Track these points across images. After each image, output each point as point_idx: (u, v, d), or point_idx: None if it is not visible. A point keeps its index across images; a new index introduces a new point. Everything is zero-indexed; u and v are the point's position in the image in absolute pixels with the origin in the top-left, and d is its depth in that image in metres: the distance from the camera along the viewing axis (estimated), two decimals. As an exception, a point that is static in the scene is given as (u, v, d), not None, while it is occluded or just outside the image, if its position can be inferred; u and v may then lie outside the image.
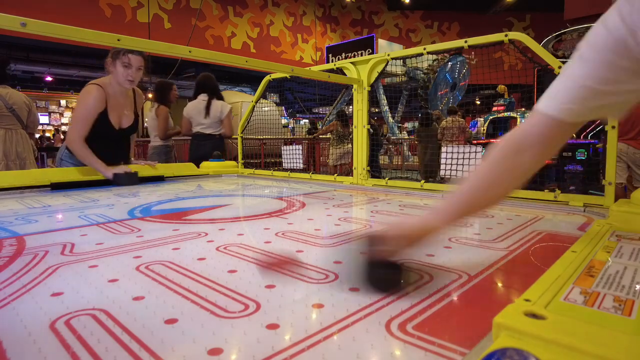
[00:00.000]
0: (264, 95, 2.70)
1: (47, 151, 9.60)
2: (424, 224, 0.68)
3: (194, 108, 3.34)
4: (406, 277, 0.67)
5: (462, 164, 1.79)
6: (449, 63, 8.88)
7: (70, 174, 1.96)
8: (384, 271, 0.64)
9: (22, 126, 3.72)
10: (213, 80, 3.42)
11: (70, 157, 2.13)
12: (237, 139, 2.80)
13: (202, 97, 3.32)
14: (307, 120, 14.16)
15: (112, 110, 2.12)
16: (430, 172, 4.52)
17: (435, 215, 0.69)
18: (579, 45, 0.64)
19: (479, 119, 8.28)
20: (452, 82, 9.25)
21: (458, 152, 1.82)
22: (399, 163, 8.66)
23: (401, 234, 0.66)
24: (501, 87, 7.62)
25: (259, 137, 3.87)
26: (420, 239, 0.67)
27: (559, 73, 1.49)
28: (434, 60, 8.58)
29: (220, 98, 3.42)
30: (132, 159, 2.38)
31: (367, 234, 0.67)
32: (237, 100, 9.35)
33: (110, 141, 2.15)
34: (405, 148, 8.93)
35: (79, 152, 2.00)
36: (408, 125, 12.54)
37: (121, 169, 2.02)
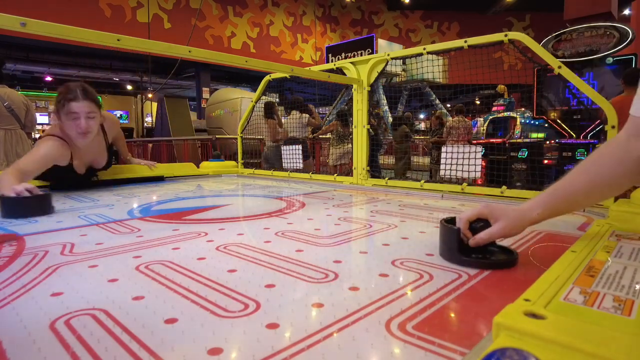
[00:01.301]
0: (264, 94, 2.70)
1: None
2: (524, 214, 0.74)
3: (287, 122, 4.97)
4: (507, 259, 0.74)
5: (462, 164, 1.80)
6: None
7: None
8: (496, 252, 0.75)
9: (21, 126, 3.69)
10: (302, 101, 4.86)
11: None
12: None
13: (295, 114, 4.86)
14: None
15: (79, 159, 1.80)
16: (399, 172, 4.81)
17: (536, 207, 0.74)
18: None
19: (478, 118, 8.27)
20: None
21: (458, 152, 1.82)
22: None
23: (509, 223, 0.72)
24: (501, 87, 7.60)
25: (258, 137, 3.90)
26: (518, 228, 0.74)
27: (558, 73, 1.48)
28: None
29: (305, 111, 4.92)
30: (129, 156, 2.25)
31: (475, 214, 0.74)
32: (237, 97, 9.33)
33: (79, 180, 1.90)
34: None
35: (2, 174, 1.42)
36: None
37: (13, 189, 1.26)
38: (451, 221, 0.77)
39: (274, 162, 4.37)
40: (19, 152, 3.59)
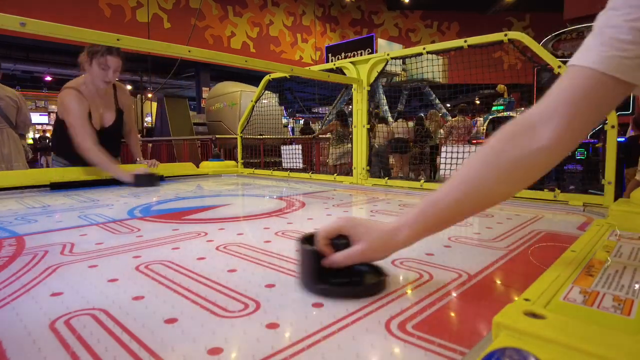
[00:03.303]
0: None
1: (44, 150, 9.63)
2: (389, 238, 0.61)
3: (396, 126, 6.72)
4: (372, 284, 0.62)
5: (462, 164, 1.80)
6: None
7: (70, 174, 1.96)
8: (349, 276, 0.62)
9: (10, 125, 3.37)
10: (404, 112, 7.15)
11: (55, 158, 2.13)
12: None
13: (400, 122, 6.57)
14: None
15: (92, 111, 2.08)
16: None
17: (403, 229, 0.61)
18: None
19: (478, 118, 8.28)
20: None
21: (458, 152, 1.82)
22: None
23: (367, 246, 0.60)
24: (501, 87, 7.62)
25: (258, 136, 3.90)
26: (380, 253, 0.62)
27: (558, 73, 1.48)
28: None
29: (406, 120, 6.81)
30: (139, 158, 2.35)
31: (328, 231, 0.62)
32: (237, 90, 9.28)
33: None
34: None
35: (94, 158, 1.94)
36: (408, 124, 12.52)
37: (142, 170, 1.99)
38: (311, 239, 0.63)
39: (383, 156, 5.86)
40: (5, 153, 3.31)
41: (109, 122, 2.17)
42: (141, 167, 2.06)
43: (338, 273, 0.61)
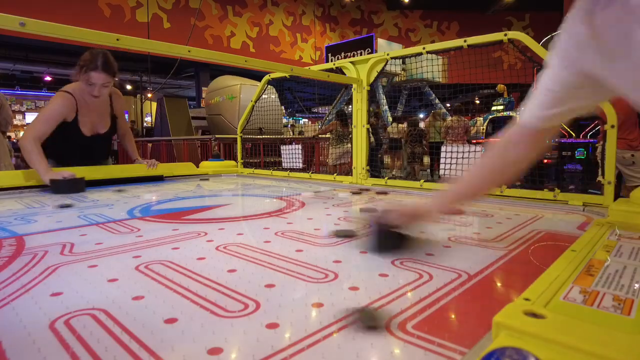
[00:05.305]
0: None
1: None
2: (423, 207, 0.88)
3: (391, 127, 7.61)
4: (408, 244, 0.85)
5: (462, 164, 1.80)
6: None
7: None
8: (392, 237, 0.84)
9: None
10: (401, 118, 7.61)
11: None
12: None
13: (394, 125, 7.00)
14: (306, 120, 14.17)
15: (84, 117, 2.01)
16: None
17: (435, 200, 0.89)
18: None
19: (478, 118, 8.28)
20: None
21: (458, 152, 1.82)
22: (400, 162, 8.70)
23: (405, 212, 0.86)
24: (500, 87, 7.63)
25: (258, 136, 3.88)
26: (418, 218, 0.86)
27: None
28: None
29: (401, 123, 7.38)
30: (137, 159, 2.32)
31: (381, 210, 0.87)
32: (236, 83, 9.23)
33: (82, 147, 2.08)
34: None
35: (26, 149, 1.81)
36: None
37: (60, 174, 1.75)
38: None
39: (390, 148, 7.29)
40: None
41: (103, 129, 2.12)
42: (62, 171, 1.79)
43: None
